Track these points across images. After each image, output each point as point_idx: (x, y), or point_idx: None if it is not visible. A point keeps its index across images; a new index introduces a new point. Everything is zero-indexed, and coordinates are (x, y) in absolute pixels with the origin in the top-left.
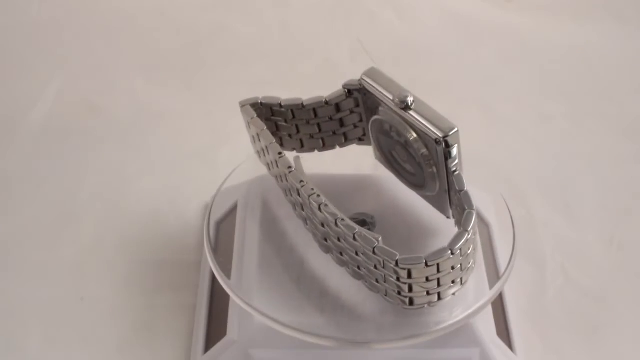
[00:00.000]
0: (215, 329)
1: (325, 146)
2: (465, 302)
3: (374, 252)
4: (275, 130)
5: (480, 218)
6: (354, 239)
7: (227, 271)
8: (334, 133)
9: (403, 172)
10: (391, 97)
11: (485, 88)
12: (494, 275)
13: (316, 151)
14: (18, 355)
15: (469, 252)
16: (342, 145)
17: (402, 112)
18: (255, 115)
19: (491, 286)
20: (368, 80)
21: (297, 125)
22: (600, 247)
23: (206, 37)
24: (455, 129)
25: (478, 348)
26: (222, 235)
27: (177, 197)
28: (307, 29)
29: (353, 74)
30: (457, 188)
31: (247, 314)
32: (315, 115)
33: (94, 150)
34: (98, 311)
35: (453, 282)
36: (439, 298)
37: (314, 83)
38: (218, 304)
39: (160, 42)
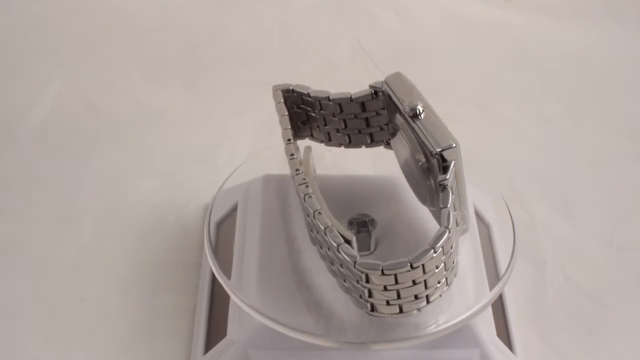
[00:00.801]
0: (215, 330)
1: (351, 143)
2: (465, 303)
3: (354, 266)
4: (306, 119)
5: (480, 218)
6: (338, 250)
7: (227, 272)
8: (359, 131)
9: (413, 183)
10: (402, 105)
11: (485, 89)
12: (494, 276)
13: (343, 147)
14: (18, 355)
15: (451, 250)
16: (368, 146)
17: (410, 121)
18: (282, 101)
19: (491, 287)
20: (388, 84)
21: (324, 118)
22: (600, 248)
23: (206, 38)
24: (453, 145)
25: (478, 349)
26: (222, 235)
27: (177, 198)
28: (307, 30)
29: (353, 74)
30: (440, 204)
31: (247, 315)
32: (341, 110)
33: (93, 151)
34: (98, 312)
35: (439, 282)
36: (427, 301)
37: (314, 84)
38: (218, 304)
39: (160, 43)
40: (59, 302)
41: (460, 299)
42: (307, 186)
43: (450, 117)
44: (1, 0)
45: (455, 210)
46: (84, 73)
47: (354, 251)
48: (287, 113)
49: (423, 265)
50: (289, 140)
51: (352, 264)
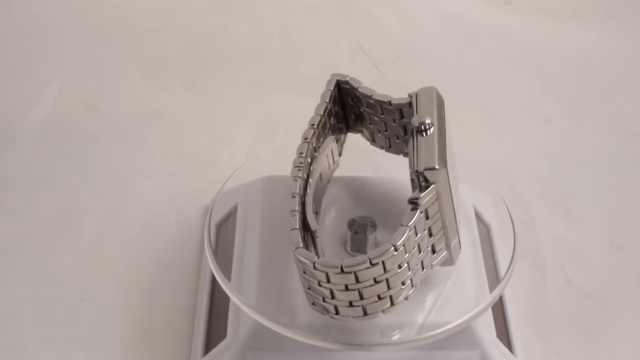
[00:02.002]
0: (215, 331)
1: (390, 147)
2: (465, 305)
3: (314, 267)
4: (358, 114)
5: (480, 219)
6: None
7: (227, 273)
8: (398, 138)
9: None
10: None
11: (485, 90)
12: (494, 277)
13: (384, 150)
14: (18, 355)
15: (413, 250)
16: (405, 155)
17: (414, 134)
18: (332, 89)
19: (491, 289)
20: (417, 95)
21: (370, 116)
22: (600, 248)
23: (206, 39)
24: (435, 167)
25: (478, 350)
26: (222, 237)
27: (177, 199)
28: (307, 31)
29: (353, 76)
30: (401, 221)
31: (247, 316)
32: (382, 112)
33: (93, 152)
34: (98, 313)
35: (403, 283)
36: (392, 303)
37: (314, 85)
38: (218, 306)
39: (160, 43)
40: (59, 302)
41: (460, 301)
42: (299, 169)
43: (450, 118)
44: (1, 0)
45: (431, 236)
46: (84, 73)
47: (312, 254)
48: (327, 102)
49: (383, 262)
50: (312, 125)
51: (312, 265)
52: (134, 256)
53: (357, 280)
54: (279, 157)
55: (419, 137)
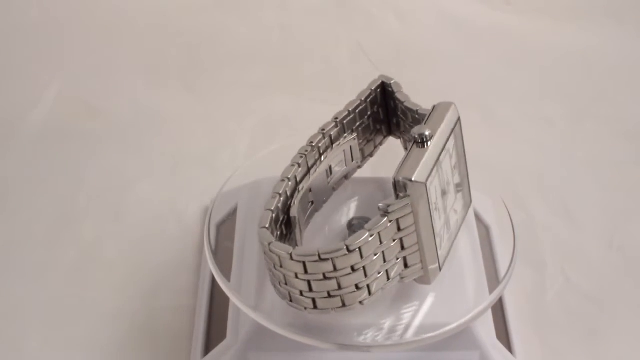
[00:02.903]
0: (215, 332)
1: None
2: (465, 306)
3: (291, 258)
4: (397, 118)
5: (480, 221)
6: (270, 250)
7: (227, 274)
8: None
9: None
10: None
11: (485, 91)
12: (494, 278)
13: None
14: (17, 356)
15: (374, 256)
16: None
17: (410, 144)
18: (373, 88)
19: (491, 290)
20: (434, 108)
21: (403, 122)
22: (600, 250)
23: (206, 40)
24: (411, 179)
25: (478, 351)
26: (222, 238)
27: (177, 200)
28: (307, 32)
29: (353, 76)
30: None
31: (247, 317)
32: (412, 120)
33: (93, 153)
34: (97, 313)
35: (379, 273)
36: (369, 292)
37: (314, 86)
38: (218, 306)
39: (160, 44)
40: (59, 303)
41: (460, 302)
42: (293, 165)
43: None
44: (1, 1)
45: (403, 249)
46: (84, 74)
47: (285, 245)
48: (363, 98)
49: (360, 248)
50: (336, 119)
51: (289, 256)
52: (134, 257)
53: (306, 272)
54: (279, 158)
55: (414, 147)
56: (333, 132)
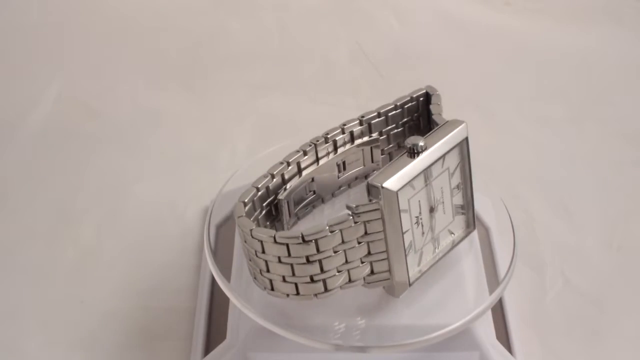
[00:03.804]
0: (215, 332)
1: None
2: (465, 306)
3: (275, 241)
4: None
5: (480, 221)
6: (252, 236)
7: (226, 274)
8: None
9: None
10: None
11: (485, 91)
12: (494, 279)
13: None
14: (18, 357)
15: (332, 252)
16: None
17: (402, 153)
18: (414, 96)
19: (491, 290)
20: (441, 124)
21: None
22: (600, 250)
23: (206, 41)
24: (378, 185)
25: (478, 351)
26: (222, 238)
27: (177, 201)
28: (307, 33)
29: (353, 77)
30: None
31: (247, 318)
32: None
33: (93, 153)
34: (97, 314)
35: (362, 262)
36: (350, 279)
37: (314, 86)
38: (218, 307)
39: (160, 45)
40: (59, 304)
41: (460, 303)
42: (298, 152)
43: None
44: (1, 1)
45: (369, 254)
46: (84, 76)
47: (268, 229)
48: (398, 103)
49: (316, 241)
50: (362, 117)
51: (272, 239)
52: (133, 257)
53: (263, 251)
54: (279, 159)
55: (403, 156)
56: (355, 130)
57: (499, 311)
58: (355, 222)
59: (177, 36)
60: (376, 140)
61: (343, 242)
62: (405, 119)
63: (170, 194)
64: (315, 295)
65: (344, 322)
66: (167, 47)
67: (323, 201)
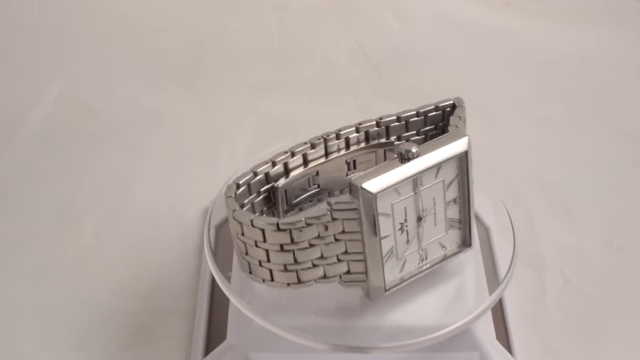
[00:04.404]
0: (215, 333)
1: None
2: (465, 307)
3: (252, 225)
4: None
5: (480, 221)
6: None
7: (227, 275)
8: None
9: None
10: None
11: (485, 91)
12: (494, 279)
13: None
14: (17, 357)
15: (305, 244)
16: None
17: (392, 155)
18: (440, 105)
19: (491, 291)
20: (443, 135)
21: None
22: (600, 251)
23: (206, 41)
24: (356, 185)
25: (477, 352)
26: (222, 239)
27: (177, 201)
28: (307, 33)
29: (353, 78)
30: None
31: (247, 318)
32: None
33: (93, 153)
34: (97, 314)
35: (338, 259)
36: (325, 275)
37: (314, 86)
38: (218, 307)
39: (160, 45)
40: (59, 304)
41: (460, 303)
42: (306, 143)
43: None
44: (1, 1)
45: (346, 252)
46: (84, 76)
47: (249, 213)
48: (421, 110)
49: (290, 231)
50: (380, 118)
51: (250, 222)
52: (133, 258)
53: (243, 234)
54: None
55: (393, 160)
56: (371, 130)
57: (499, 311)
58: (333, 219)
59: (177, 36)
60: (391, 143)
61: (319, 236)
62: (427, 128)
63: (170, 195)
64: (288, 284)
65: (344, 323)
66: (167, 47)
67: (330, 195)
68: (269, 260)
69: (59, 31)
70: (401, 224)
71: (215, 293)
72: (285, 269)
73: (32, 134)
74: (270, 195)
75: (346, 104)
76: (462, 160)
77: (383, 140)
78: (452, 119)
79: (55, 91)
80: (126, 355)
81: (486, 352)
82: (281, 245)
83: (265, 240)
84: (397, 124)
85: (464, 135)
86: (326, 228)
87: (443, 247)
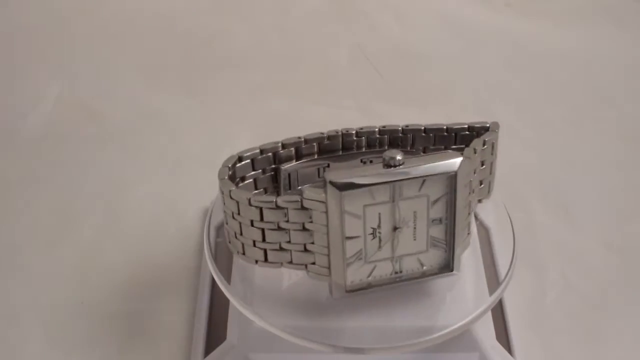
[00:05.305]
0: (215, 334)
1: None
2: (465, 307)
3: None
4: None
5: (480, 222)
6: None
7: (226, 276)
8: None
9: None
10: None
11: (485, 92)
12: (494, 280)
13: None
14: (18, 357)
15: (276, 229)
16: None
17: (378, 161)
18: (468, 125)
19: (491, 292)
20: (440, 151)
21: None
22: (600, 251)
23: (206, 43)
24: (329, 181)
25: (477, 352)
26: (222, 239)
27: (177, 202)
28: (307, 34)
29: (353, 79)
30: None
31: (247, 319)
32: None
33: (93, 155)
34: (98, 315)
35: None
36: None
37: (314, 87)
38: (218, 308)
39: (161, 47)
40: (59, 305)
41: (460, 304)
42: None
43: (450, 120)
44: (2, 2)
45: (312, 243)
46: (84, 76)
47: (229, 182)
48: (450, 127)
49: (261, 209)
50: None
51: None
52: (133, 259)
53: (224, 204)
54: None
55: (378, 165)
56: (394, 136)
57: (498, 312)
58: (303, 207)
59: (178, 37)
60: (416, 153)
61: (288, 220)
62: (457, 146)
63: (170, 195)
64: (256, 261)
65: (343, 323)
66: (168, 49)
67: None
68: (241, 234)
69: (59, 32)
70: (373, 228)
71: (215, 293)
72: (254, 245)
73: (32, 134)
74: (276, 175)
75: (346, 105)
76: (452, 180)
77: (407, 149)
78: (474, 142)
79: (55, 92)
80: (126, 355)
81: (486, 353)
82: (251, 221)
83: (239, 213)
84: (423, 135)
85: (459, 155)
86: (296, 215)
87: (421, 263)
